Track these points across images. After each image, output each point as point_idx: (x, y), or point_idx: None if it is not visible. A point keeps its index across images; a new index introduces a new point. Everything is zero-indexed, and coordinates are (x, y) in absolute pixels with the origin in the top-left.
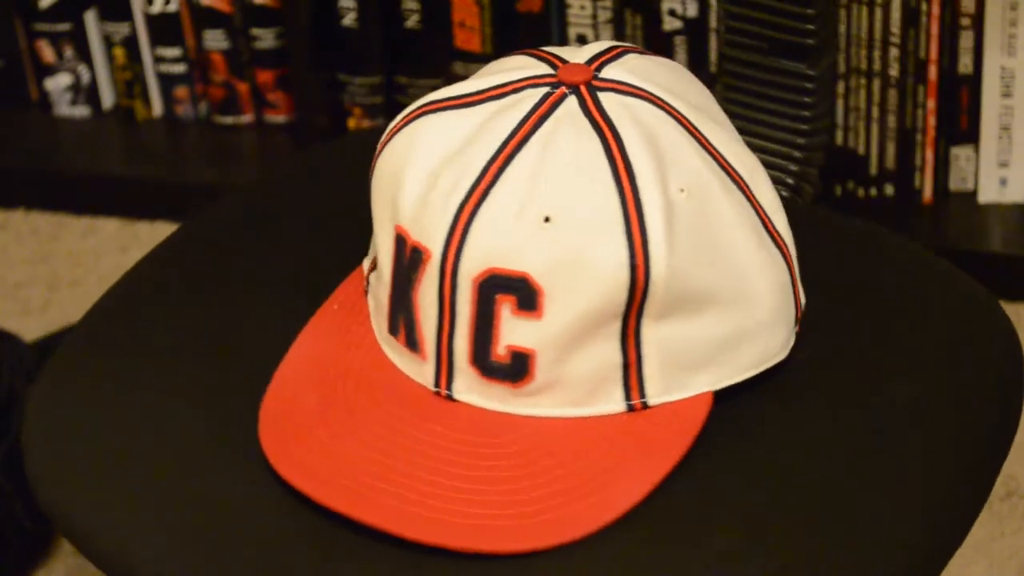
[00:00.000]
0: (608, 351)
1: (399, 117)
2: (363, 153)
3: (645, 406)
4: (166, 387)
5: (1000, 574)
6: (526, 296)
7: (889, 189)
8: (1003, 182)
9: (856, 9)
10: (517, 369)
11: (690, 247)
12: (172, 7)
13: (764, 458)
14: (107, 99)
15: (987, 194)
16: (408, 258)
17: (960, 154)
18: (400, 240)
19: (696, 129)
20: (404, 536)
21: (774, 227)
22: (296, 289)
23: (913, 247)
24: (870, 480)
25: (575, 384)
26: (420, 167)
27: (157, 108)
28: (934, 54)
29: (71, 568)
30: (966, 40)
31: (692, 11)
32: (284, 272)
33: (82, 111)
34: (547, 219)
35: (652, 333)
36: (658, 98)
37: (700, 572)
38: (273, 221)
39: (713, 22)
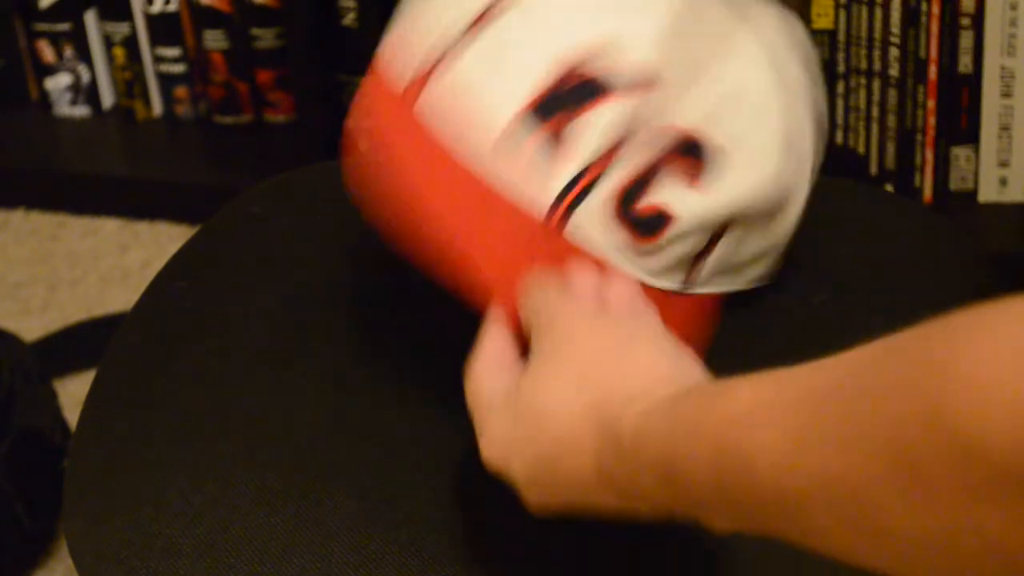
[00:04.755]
0: (700, 243)
1: None
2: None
3: (691, 293)
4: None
5: None
6: (704, 166)
7: (889, 189)
8: (1003, 182)
9: (856, 9)
10: (652, 226)
11: None
12: (172, 7)
13: None
14: (107, 99)
15: (987, 194)
16: (575, 86)
17: (960, 154)
18: (570, 70)
19: None
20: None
21: None
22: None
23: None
24: None
25: (667, 258)
26: None
27: (157, 108)
28: (934, 54)
29: (71, 568)
30: (966, 40)
31: None
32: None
33: (82, 111)
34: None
35: (727, 238)
36: None
37: None
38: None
39: None
